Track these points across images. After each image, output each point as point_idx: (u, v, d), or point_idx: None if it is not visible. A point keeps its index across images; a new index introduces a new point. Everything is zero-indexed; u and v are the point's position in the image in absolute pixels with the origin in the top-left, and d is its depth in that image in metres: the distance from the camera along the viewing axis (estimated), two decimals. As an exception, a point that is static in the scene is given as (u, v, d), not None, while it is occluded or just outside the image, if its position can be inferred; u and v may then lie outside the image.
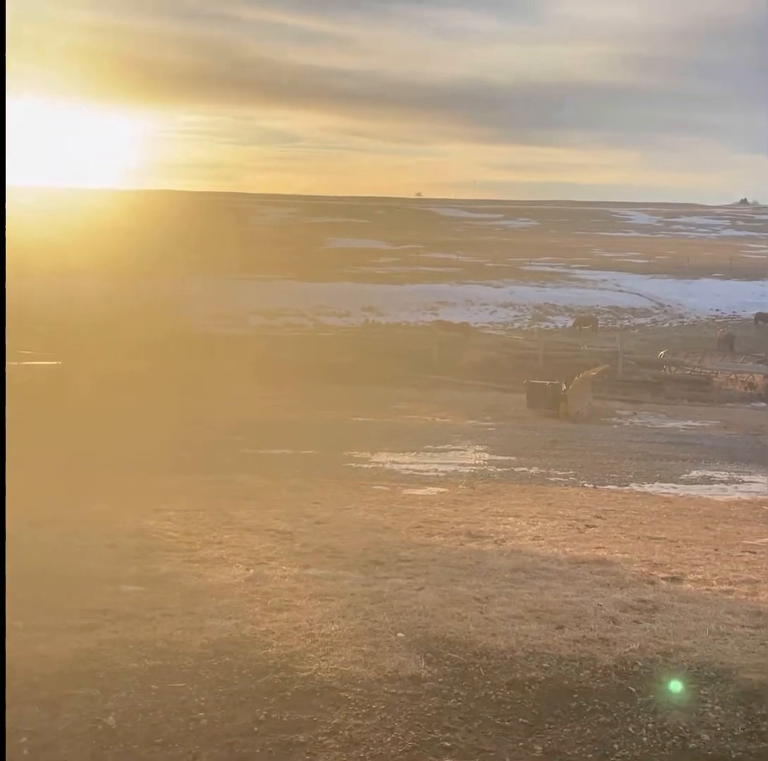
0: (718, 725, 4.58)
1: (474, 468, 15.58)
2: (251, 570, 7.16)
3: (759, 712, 4.72)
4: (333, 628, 5.67)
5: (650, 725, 4.58)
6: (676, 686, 5.04)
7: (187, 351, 27.24)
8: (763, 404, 28.74)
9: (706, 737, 4.46)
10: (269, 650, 5.27)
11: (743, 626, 6.07)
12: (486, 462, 16.18)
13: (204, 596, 6.34)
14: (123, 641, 5.24)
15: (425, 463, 16.08)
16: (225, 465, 15.44)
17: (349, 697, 4.74)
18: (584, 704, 4.80)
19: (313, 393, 24.99)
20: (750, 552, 9.00)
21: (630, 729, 4.55)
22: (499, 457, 16.71)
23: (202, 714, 4.49)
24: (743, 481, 15.09)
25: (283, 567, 7.38)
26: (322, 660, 5.15)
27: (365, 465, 15.91)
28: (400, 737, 4.40)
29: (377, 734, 4.41)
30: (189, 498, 11.60)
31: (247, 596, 6.40)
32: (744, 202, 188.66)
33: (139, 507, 10.46)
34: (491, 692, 4.92)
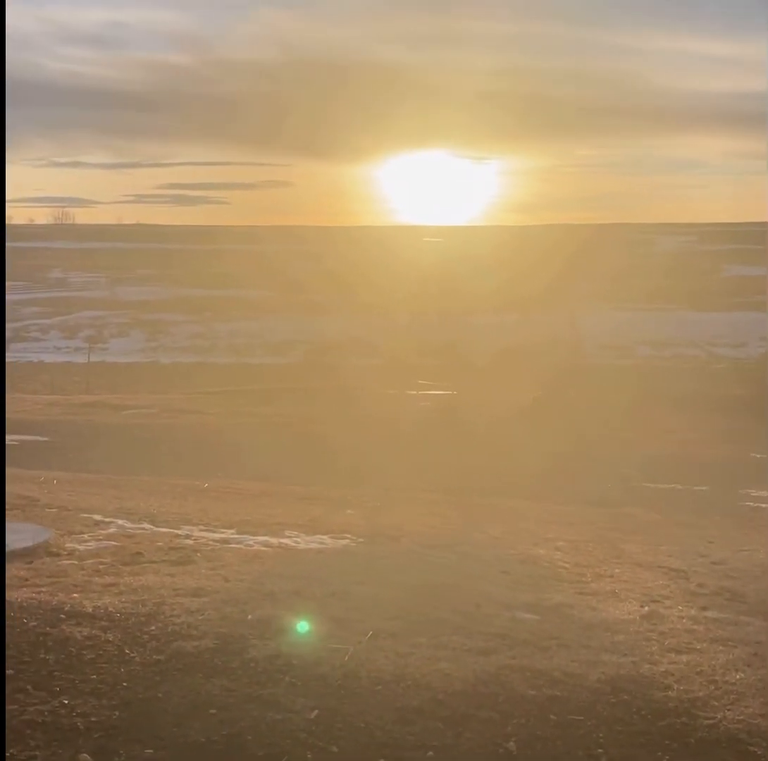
0: None
1: None
2: (646, 608, 6.97)
3: None
4: (738, 677, 5.35)
5: None
6: None
7: (577, 381, 27.36)
8: None
9: None
10: (669, 693, 5.08)
11: None
12: None
13: (598, 630, 6.26)
14: (521, 667, 5.29)
15: (835, 507, 14.85)
16: (613, 498, 15.27)
17: (759, 752, 4.44)
18: None
19: (708, 428, 24.02)
20: None
21: None
22: None
23: (601, 751, 4.40)
24: None
25: (679, 607, 7.10)
26: (728, 709, 4.87)
27: (764, 505, 15.01)
28: (817, 804, 4.05)
29: (792, 797, 4.09)
30: (577, 529, 11.59)
31: (643, 634, 6.22)
32: None
33: (528, 535, 10.60)
34: None
